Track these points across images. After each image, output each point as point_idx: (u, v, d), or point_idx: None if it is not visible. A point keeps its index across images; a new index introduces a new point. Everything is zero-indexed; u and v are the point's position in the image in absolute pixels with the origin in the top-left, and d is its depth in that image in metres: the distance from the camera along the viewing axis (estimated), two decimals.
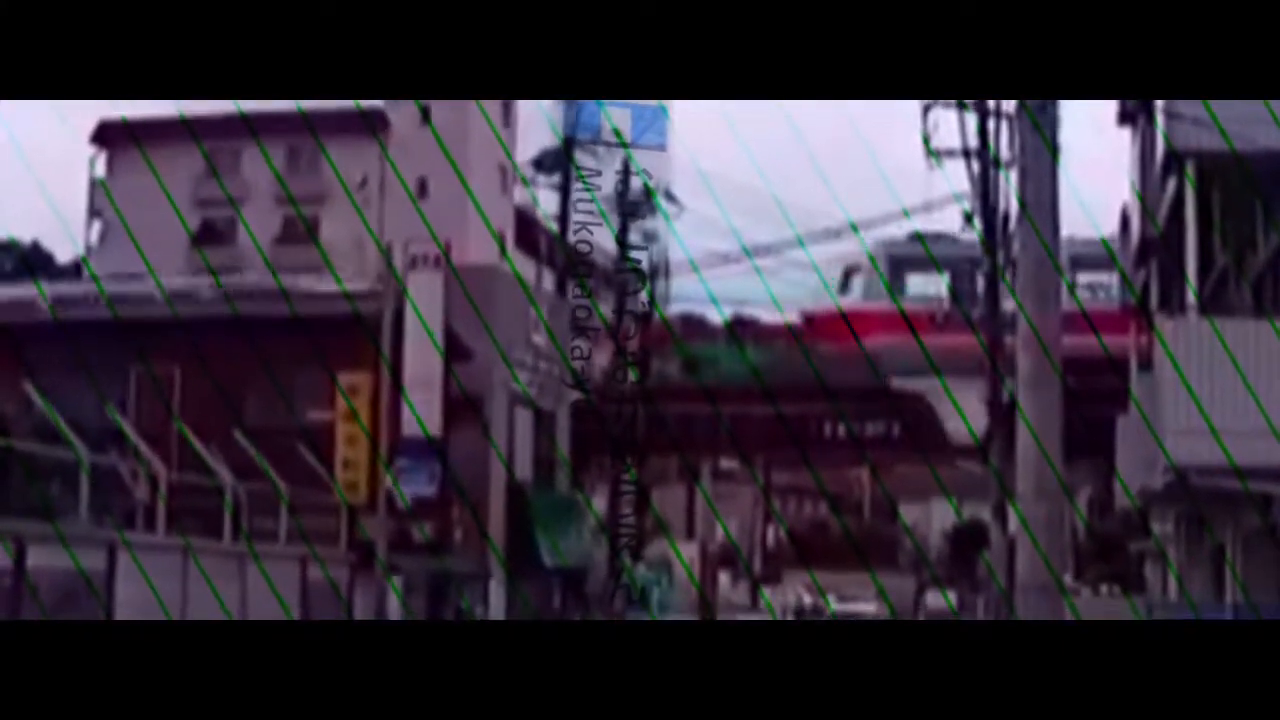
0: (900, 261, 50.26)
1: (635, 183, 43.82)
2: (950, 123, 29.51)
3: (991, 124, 28.93)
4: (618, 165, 42.08)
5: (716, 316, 58.76)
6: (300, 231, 62.43)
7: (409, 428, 29.84)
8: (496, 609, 32.87)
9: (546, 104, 44.35)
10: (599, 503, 42.69)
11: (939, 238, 45.17)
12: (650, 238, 46.07)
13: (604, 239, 39.34)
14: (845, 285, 51.10)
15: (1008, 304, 25.81)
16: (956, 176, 31.68)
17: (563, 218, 47.57)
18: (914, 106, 29.65)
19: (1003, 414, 27.82)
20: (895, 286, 49.72)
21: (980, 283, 34.44)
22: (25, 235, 67.51)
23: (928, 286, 49.18)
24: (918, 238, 47.83)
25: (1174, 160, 20.18)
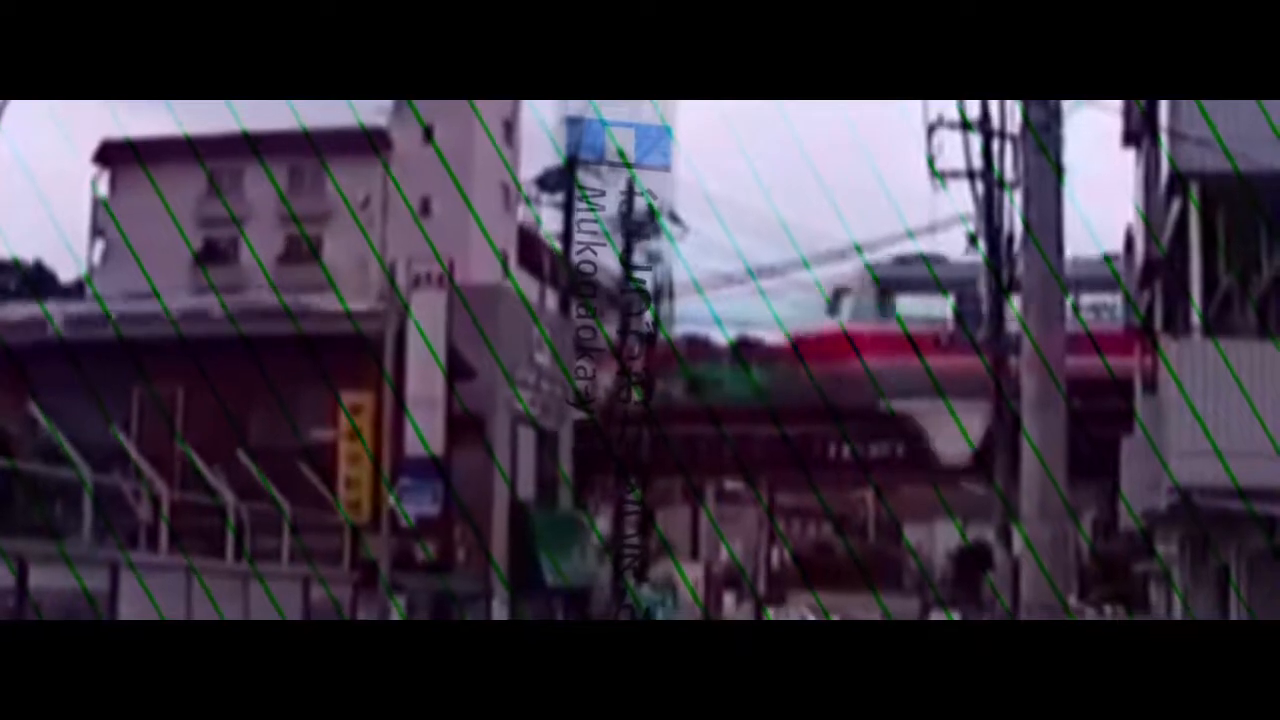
0: (888, 283, 50.32)
1: (639, 203, 43.81)
2: (955, 144, 29.54)
3: (996, 145, 28.96)
4: (621, 186, 42.10)
5: (720, 338, 58.68)
6: (303, 250, 62.51)
7: (412, 446, 29.81)
8: None
9: (549, 122, 44.38)
10: (603, 523, 42.57)
11: (925, 259, 45.30)
12: (654, 258, 45.97)
13: (608, 259, 39.25)
14: (834, 307, 51.19)
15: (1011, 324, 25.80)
16: (962, 197, 31.66)
17: (566, 237, 47.51)
18: (920, 128, 29.67)
19: (1007, 435, 27.80)
20: (883, 308, 49.83)
21: (971, 303, 34.44)
22: (28, 254, 67.65)
23: (915, 308, 49.21)
24: (903, 261, 48.09)
25: (1178, 181, 20.12)
